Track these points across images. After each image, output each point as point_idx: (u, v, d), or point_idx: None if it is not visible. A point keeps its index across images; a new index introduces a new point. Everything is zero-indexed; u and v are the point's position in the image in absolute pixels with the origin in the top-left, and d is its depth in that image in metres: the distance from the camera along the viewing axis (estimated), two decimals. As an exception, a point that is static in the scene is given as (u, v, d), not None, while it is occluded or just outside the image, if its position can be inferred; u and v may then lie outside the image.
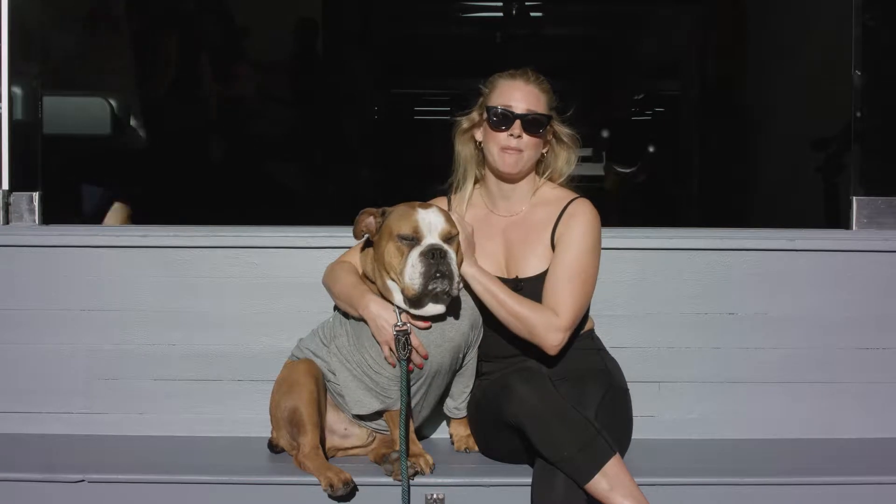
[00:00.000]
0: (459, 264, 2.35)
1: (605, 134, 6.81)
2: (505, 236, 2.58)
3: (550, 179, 2.62)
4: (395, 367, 2.40)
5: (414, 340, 2.37)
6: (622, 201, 6.63)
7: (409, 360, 2.35)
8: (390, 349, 2.38)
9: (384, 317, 2.38)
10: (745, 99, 6.16)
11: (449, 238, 2.34)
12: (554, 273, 2.47)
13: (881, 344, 2.86)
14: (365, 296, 2.42)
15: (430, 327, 2.39)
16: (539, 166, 2.61)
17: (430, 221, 2.33)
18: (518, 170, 2.54)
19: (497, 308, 2.44)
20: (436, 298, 2.34)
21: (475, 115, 2.61)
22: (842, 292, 2.86)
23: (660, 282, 2.86)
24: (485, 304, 2.47)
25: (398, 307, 2.37)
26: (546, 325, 2.42)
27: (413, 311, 2.36)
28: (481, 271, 2.46)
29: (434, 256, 2.27)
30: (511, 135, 2.50)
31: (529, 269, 2.52)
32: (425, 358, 2.41)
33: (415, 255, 2.29)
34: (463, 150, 2.64)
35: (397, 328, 2.36)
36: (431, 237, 2.31)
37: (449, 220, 2.38)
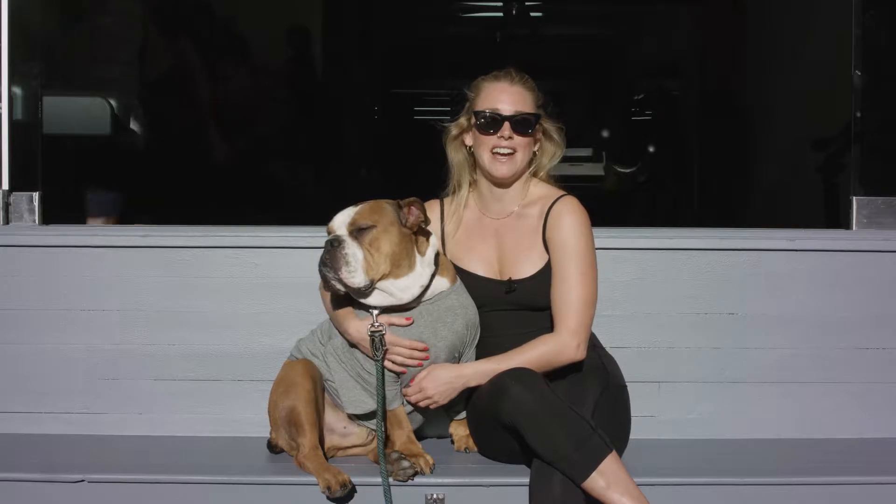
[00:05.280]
0: (375, 248, 2.34)
1: (605, 134, 6.81)
2: (497, 238, 2.58)
3: (535, 175, 2.62)
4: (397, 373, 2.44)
5: (388, 338, 2.39)
6: (622, 201, 6.63)
7: (384, 359, 2.38)
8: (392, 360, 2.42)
9: (366, 338, 2.40)
10: (745, 99, 6.16)
11: (359, 229, 2.35)
12: (556, 282, 2.46)
13: (881, 344, 2.86)
14: (346, 319, 2.45)
15: (411, 322, 2.41)
16: (529, 165, 2.61)
17: (340, 220, 2.38)
18: (512, 173, 2.53)
19: None
20: (332, 286, 2.37)
21: (463, 121, 2.60)
22: (842, 292, 2.86)
23: (660, 282, 2.86)
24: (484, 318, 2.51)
25: (368, 306, 2.41)
26: (558, 348, 2.43)
27: (362, 301, 2.40)
28: (480, 372, 2.43)
29: (327, 247, 2.35)
30: (501, 137, 2.50)
31: (522, 272, 2.51)
32: (424, 348, 2.42)
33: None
34: (455, 156, 2.63)
35: (372, 329, 2.38)
36: (337, 231, 2.37)
37: (364, 213, 2.37)
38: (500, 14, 7.36)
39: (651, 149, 6.89)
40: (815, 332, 2.86)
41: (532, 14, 7.23)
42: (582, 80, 6.83)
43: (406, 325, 2.40)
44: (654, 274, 2.86)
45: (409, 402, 2.48)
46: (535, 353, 2.43)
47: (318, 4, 6.17)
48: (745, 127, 5.95)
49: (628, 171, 6.81)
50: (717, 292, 2.85)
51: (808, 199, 4.79)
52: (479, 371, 2.43)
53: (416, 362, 2.42)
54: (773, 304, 2.86)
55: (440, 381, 2.42)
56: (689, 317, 2.86)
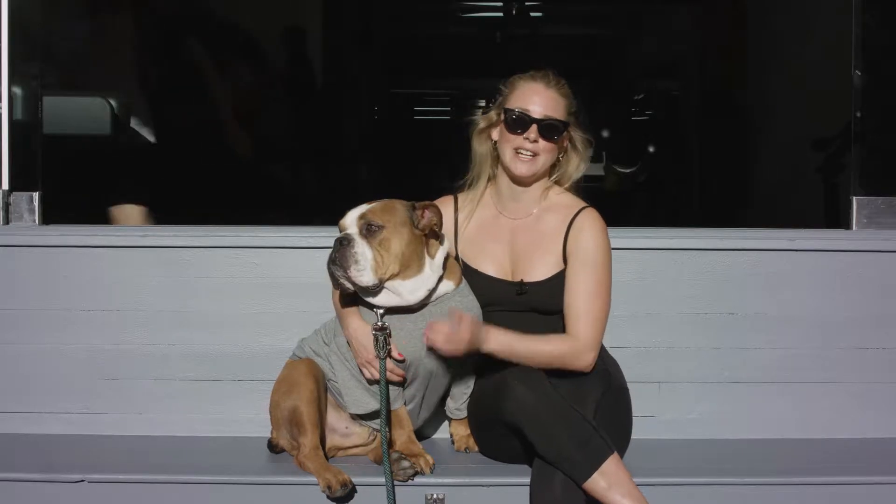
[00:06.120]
0: (385, 248, 2.34)
1: (605, 134, 6.82)
2: (512, 239, 2.58)
3: (558, 183, 2.62)
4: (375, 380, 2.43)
5: (394, 348, 2.39)
6: (622, 201, 6.64)
7: (387, 357, 2.38)
8: (374, 365, 2.41)
9: (359, 339, 2.41)
10: (745, 99, 6.17)
11: (369, 228, 2.35)
12: (571, 293, 2.47)
13: (881, 344, 2.86)
14: (349, 315, 2.46)
15: (403, 360, 2.41)
16: (552, 170, 2.61)
17: (352, 217, 2.38)
18: (532, 174, 2.53)
19: (526, 363, 2.42)
20: (341, 284, 2.36)
21: (493, 115, 2.59)
22: (842, 292, 2.86)
23: (660, 282, 2.86)
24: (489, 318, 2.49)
25: (374, 305, 2.40)
26: (573, 353, 2.44)
27: (368, 300, 2.40)
28: (499, 341, 2.40)
29: (337, 245, 2.34)
30: (526, 138, 2.49)
31: (536, 275, 2.51)
32: (402, 377, 2.44)
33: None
34: (479, 148, 2.62)
35: (375, 328, 2.38)
36: (348, 229, 2.37)
37: (375, 212, 2.37)
38: (500, 14, 7.36)
39: (651, 149, 6.89)
40: (815, 332, 2.85)
41: (532, 14, 7.24)
42: (582, 80, 6.85)
43: (399, 361, 2.41)
44: (654, 274, 2.86)
45: (429, 347, 2.42)
46: (551, 348, 2.43)
47: (318, 5, 6.17)
48: (745, 127, 5.95)
49: (628, 171, 6.82)
50: (717, 292, 2.85)
51: (808, 199, 4.79)
52: (500, 339, 2.41)
53: (395, 378, 2.44)
54: (773, 304, 2.85)
55: (465, 330, 2.38)
56: (689, 317, 2.86)
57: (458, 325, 2.32)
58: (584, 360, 2.44)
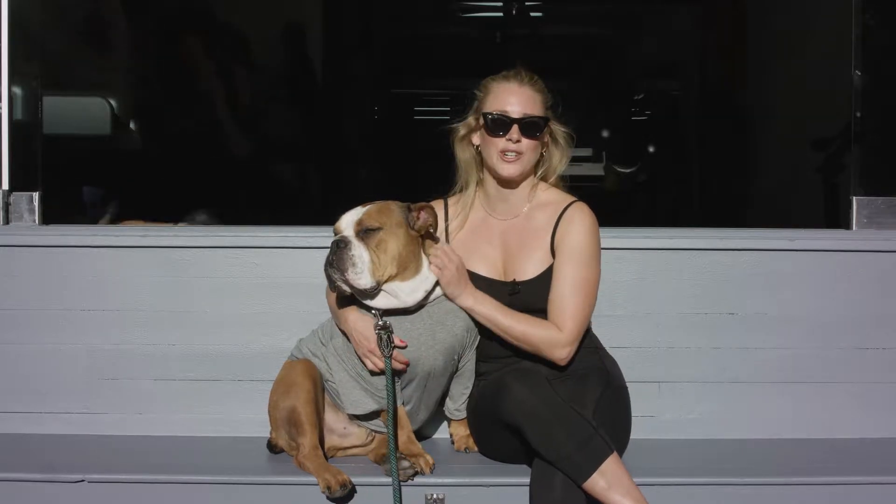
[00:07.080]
0: (382, 250, 2.35)
1: (605, 134, 6.82)
2: (503, 240, 2.57)
3: (543, 179, 2.62)
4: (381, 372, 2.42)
5: (396, 338, 2.39)
6: (622, 201, 6.64)
7: (391, 356, 2.38)
8: (376, 354, 2.41)
9: (359, 329, 2.41)
10: (745, 99, 6.16)
11: (366, 230, 2.35)
12: (556, 286, 2.46)
13: (881, 344, 2.86)
14: (345, 312, 2.46)
15: (405, 346, 2.40)
16: (536, 167, 2.61)
17: (348, 220, 2.39)
18: (519, 173, 2.53)
19: (501, 333, 2.45)
20: (339, 287, 2.37)
21: (471, 121, 2.59)
22: (842, 292, 2.86)
23: (660, 282, 2.86)
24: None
25: (372, 307, 2.41)
26: (551, 342, 2.43)
27: (366, 303, 2.40)
28: (478, 301, 2.45)
29: (334, 248, 2.35)
30: (509, 139, 2.49)
31: (526, 273, 2.51)
32: (406, 364, 2.43)
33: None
34: (463, 155, 2.62)
35: (378, 327, 2.38)
36: (344, 231, 2.37)
37: (371, 214, 2.38)
38: (500, 14, 7.35)
39: (651, 149, 6.89)
40: (815, 332, 2.86)
41: (532, 14, 7.23)
42: (582, 80, 6.84)
43: (400, 348, 2.41)
44: (654, 274, 2.86)
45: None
46: (533, 330, 2.43)
47: (318, 5, 6.17)
48: (745, 127, 5.95)
49: (628, 171, 6.82)
50: (717, 292, 2.85)
51: (808, 199, 4.79)
52: (482, 299, 2.44)
53: (400, 367, 2.44)
54: (773, 304, 2.86)
55: (461, 268, 2.44)
56: (689, 317, 2.86)
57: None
58: (561, 352, 2.44)
